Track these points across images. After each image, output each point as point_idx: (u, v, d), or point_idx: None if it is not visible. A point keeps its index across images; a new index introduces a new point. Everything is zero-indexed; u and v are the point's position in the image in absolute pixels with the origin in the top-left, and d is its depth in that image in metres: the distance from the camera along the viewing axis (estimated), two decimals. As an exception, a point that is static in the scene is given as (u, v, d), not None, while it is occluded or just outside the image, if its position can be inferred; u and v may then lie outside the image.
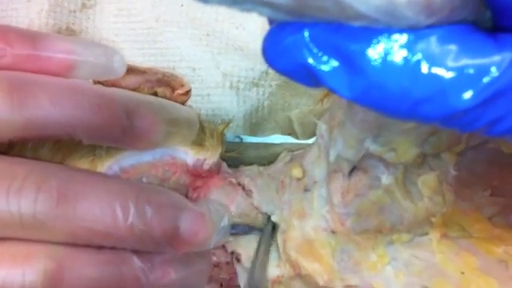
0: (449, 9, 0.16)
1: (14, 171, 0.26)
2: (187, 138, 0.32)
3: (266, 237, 0.34)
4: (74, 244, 0.27)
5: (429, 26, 0.17)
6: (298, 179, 0.34)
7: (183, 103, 0.33)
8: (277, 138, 0.39)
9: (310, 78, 0.19)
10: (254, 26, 0.37)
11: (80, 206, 0.27)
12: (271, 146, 0.39)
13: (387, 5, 0.16)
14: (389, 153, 0.31)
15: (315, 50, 0.18)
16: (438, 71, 0.17)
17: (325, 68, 0.18)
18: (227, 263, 0.35)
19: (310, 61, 0.18)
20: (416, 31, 0.17)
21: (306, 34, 0.18)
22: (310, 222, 0.34)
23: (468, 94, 0.17)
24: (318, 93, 0.37)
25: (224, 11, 0.37)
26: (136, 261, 0.28)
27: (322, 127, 0.33)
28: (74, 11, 0.37)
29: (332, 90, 0.18)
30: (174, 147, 0.32)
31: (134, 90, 0.32)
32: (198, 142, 0.33)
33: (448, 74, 0.17)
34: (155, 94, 0.32)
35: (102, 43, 0.30)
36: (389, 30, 0.17)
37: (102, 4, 0.38)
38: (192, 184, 0.34)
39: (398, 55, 0.17)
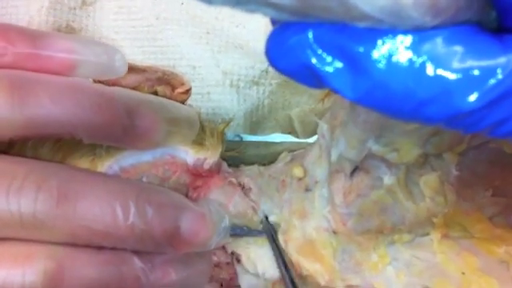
0: (454, 9, 0.16)
1: (15, 170, 0.26)
2: (188, 137, 0.32)
3: (271, 239, 0.34)
4: (74, 244, 0.27)
5: (434, 27, 0.17)
6: (299, 179, 0.34)
7: (183, 102, 0.33)
8: (277, 137, 0.39)
9: (313, 78, 0.19)
10: (255, 25, 0.37)
11: (80, 205, 0.26)
12: (271, 144, 0.39)
13: (392, 5, 0.16)
14: (391, 153, 0.31)
15: (319, 51, 0.18)
16: (443, 72, 0.17)
17: (329, 69, 0.18)
18: (227, 263, 0.35)
19: (314, 61, 0.18)
20: (421, 32, 0.17)
21: (310, 34, 0.18)
22: (311, 222, 0.34)
23: (473, 96, 0.17)
24: (318, 92, 0.37)
25: (224, 10, 0.37)
26: (136, 261, 0.28)
27: (324, 127, 0.33)
28: (74, 8, 0.37)
29: (335, 91, 0.18)
30: (174, 146, 0.32)
31: (134, 88, 0.32)
32: (199, 142, 0.33)
33: (453, 76, 0.17)
34: (155, 92, 0.32)
35: (103, 42, 0.30)
36: (393, 31, 0.17)
37: (102, 1, 0.38)
38: (192, 183, 0.33)
39: (403, 56, 0.17)
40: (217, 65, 0.37)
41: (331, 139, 0.33)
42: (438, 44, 0.17)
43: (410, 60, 0.17)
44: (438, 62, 0.17)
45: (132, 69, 0.32)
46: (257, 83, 0.38)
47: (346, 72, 0.18)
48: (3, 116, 0.26)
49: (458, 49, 0.17)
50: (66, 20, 0.37)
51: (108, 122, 0.28)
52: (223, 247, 0.35)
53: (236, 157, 0.37)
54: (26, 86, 0.26)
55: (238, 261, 0.35)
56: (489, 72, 0.16)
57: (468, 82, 0.17)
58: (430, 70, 0.17)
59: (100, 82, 0.30)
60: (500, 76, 0.16)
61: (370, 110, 0.18)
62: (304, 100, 0.38)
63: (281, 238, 0.34)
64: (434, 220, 0.33)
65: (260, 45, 0.36)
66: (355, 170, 0.33)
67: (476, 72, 0.16)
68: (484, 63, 0.16)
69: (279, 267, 0.33)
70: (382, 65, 0.17)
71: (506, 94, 0.17)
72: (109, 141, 0.29)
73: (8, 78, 0.26)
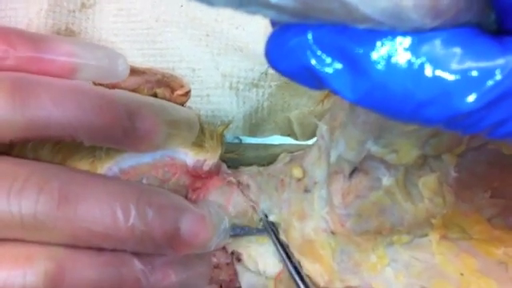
0: (454, 11, 0.16)
1: (16, 172, 0.26)
2: (187, 139, 0.32)
3: (273, 235, 0.34)
4: (75, 246, 0.27)
5: (433, 29, 0.17)
6: (298, 180, 0.34)
7: (183, 104, 0.33)
8: (276, 139, 0.39)
9: (313, 80, 0.19)
10: (254, 27, 0.37)
11: (81, 207, 0.27)
12: (271, 146, 0.39)
13: (393, 7, 0.16)
14: (390, 154, 0.31)
15: (319, 52, 0.18)
16: (442, 74, 0.17)
17: (328, 70, 0.18)
18: (227, 264, 0.35)
19: (314, 63, 0.18)
20: (420, 34, 0.17)
21: (310, 36, 0.18)
22: (310, 222, 0.34)
23: (472, 97, 0.17)
24: (317, 94, 0.37)
25: (224, 12, 0.37)
26: (136, 263, 0.28)
27: (323, 128, 0.33)
28: (74, 11, 0.37)
29: (335, 92, 0.18)
30: (173, 148, 0.32)
31: (133, 90, 0.32)
32: (198, 143, 0.33)
33: (452, 77, 0.17)
34: (155, 94, 0.32)
35: (105, 46, 0.30)
36: (393, 33, 0.17)
37: (102, 4, 0.38)
38: (192, 185, 0.33)
39: (402, 58, 0.17)
40: (216, 67, 0.37)
41: (330, 140, 0.33)
42: (437, 45, 0.17)
43: (409, 61, 0.17)
44: (437, 64, 0.17)
45: (132, 71, 0.32)
46: (256, 85, 0.38)
47: (345, 73, 0.18)
48: (4, 117, 0.26)
49: (457, 50, 0.17)
50: (66, 23, 0.37)
51: (109, 124, 0.28)
52: (223, 247, 0.35)
53: (235, 159, 0.37)
54: (28, 87, 0.26)
55: (239, 260, 0.35)
56: (487, 73, 0.16)
57: (467, 83, 0.17)
58: (428, 71, 0.17)
59: (100, 84, 0.30)
60: (498, 77, 0.16)
61: (370, 111, 0.18)
62: (303, 102, 0.38)
63: (282, 236, 0.34)
64: (433, 221, 0.33)
65: (259, 47, 0.36)
66: (354, 171, 0.33)
67: (474, 73, 0.17)
68: (482, 64, 0.17)
69: (284, 261, 0.33)
70: (381, 66, 0.17)
71: (504, 95, 0.17)
72: (109, 143, 0.29)
73: (10, 80, 0.26)
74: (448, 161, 0.32)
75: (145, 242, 0.28)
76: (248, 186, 0.35)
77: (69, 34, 0.37)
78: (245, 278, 0.35)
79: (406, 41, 0.17)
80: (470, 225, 0.33)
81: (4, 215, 0.26)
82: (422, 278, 0.33)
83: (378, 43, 0.17)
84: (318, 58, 0.18)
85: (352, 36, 0.17)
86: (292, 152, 0.37)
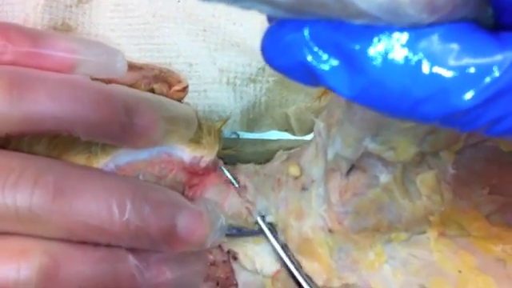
0: (451, 7, 0.16)
1: (11, 165, 0.26)
2: (185, 136, 0.32)
3: (270, 235, 0.34)
4: (70, 240, 0.27)
5: (430, 25, 0.17)
6: (296, 178, 0.34)
7: (180, 99, 0.33)
8: (273, 134, 0.39)
9: (309, 76, 0.18)
10: (251, 22, 0.37)
11: (76, 201, 0.26)
12: (268, 142, 0.39)
13: (390, 3, 0.16)
14: (387, 152, 0.31)
15: (315, 49, 0.18)
16: (439, 70, 0.17)
17: (324, 67, 0.18)
18: (224, 262, 0.35)
19: (310, 59, 0.18)
20: (417, 30, 0.17)
21: (306, 32, 0.18)
22: (307, 221, 0.33)
23: (469, 94, 0.17)
24: (315, 90, 0.37)
25: (221, 7, 0.37)
26: (131, 259, 0.28)
27: (320, 125, 0.33)
28: (70, 6, 0.37)
29: (331, 89, 0.18)
30: (171, 145, 0.32)
31: (130, 86, 0.31)
32: (195, 140, 0.32)
33: (449, 74, 0.17)
34: (152, 90, 0.32)
35: (103, 42, 0.30)
36: (390, 29, 0.17)
37: (99, -1, 0.37)
38: (188, 182, 0.33)
39: (399, 54, 0.17)
40: (213, 62, 0.37)
41: (327, 138, 0.32)
42: (434, 41, 0.17)
43: (406, 58, 0.17)
44: (434, 60, 0.17)
45: (129, 66, 0.31)
46: (253, 81, 0.38)
47: (341, 70, 0.18)
48: (1, 111, 0.26)
49: (454, 46, 0.16)
50: (62, 17, 0.37)
51: (106, 120, 0.28)
52: (219, 246, 0.34)
53: (232, 155, 0.37)
54: (25, 82, 0.26)
55: (235, 258, 0.34)
56: (485, 70, 0.16)
57: (464, 79, 0.16)
58: (425, 67, 0.17)
59: (97, 79, 0.30)
60: (496, 74, 0.16)
61: (366, 108, 0.18)
62: (301, 98, 0.38)
63: (280, 237, 0.34)
64: (431, 218, 0.33)
65: (257, 42, 0.36)
66: (351, 168, 0.33)
67: (472, 70, 0.16)
68: (480, 61, 0.16)
69: (284, 263, 0.33)
70: (377, 62, 0.17)
71: (502, 91, 0.17)
72: (106, 138, 0.29)
73: (7, 74, 0.26)
74: (446, 158, 0.32)
75: (140, 237, 0.27)
76: (245, 187, 0.34)
77: (65, 28, 0.37)
78: (241, 277, 0.35)
79: (402, 37, 0.17)
80: (468, 222, 0.33)
81: None
82: (419, 276, 0.33)
83: (375, 39, 0.17)
84: (315, 55, 0.18)
85: (348, 32, 0.17)
86: (289, 147, 0.37)
